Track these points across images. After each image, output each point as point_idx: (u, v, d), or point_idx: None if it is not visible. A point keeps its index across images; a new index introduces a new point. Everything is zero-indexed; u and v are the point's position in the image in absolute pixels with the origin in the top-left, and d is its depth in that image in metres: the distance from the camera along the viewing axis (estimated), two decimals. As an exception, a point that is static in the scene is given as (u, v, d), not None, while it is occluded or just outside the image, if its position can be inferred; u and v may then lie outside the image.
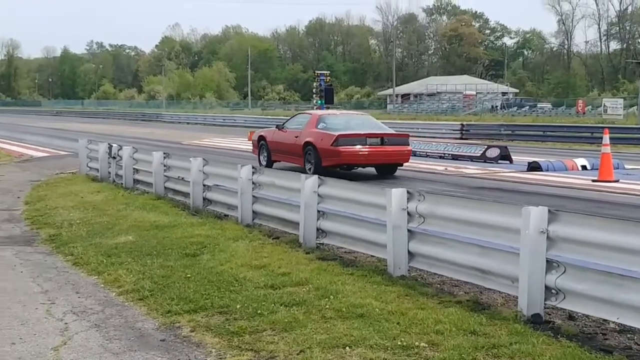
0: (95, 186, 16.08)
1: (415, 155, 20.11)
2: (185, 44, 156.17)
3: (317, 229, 9.23)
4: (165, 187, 14.23)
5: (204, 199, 12.49)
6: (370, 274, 7.71)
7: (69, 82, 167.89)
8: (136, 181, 15.62)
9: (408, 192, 7.75)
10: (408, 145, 17.24)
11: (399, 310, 6.39)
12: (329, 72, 32.24)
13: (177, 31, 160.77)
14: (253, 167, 11.02)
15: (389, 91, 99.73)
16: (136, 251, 9.18)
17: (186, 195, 13.08)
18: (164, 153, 14.51)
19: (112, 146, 16.74)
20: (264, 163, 18.32)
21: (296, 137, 17.19)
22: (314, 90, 28.19)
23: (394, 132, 17.78)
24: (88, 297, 7.33)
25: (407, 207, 7.63)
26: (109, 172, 16.87)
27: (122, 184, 15.88)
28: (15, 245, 10.12)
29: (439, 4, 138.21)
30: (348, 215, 8.73)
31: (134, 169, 15.69)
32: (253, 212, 10.91)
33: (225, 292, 7.15)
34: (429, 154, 23.32)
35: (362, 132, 16.47)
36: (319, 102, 27.76)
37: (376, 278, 7.54)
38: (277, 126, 18.78)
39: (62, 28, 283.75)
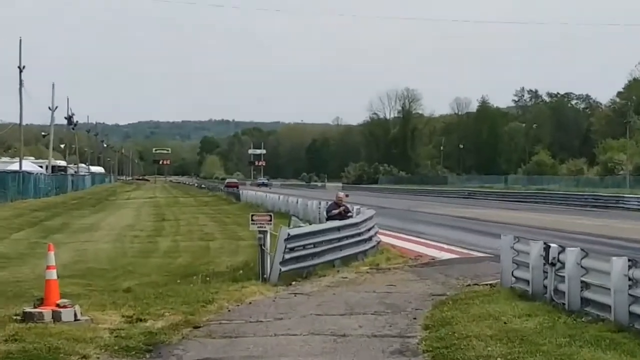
0: (523, 306, 16.31)
1: None
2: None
3: None
4: (629, 312, 13.95)
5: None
6: None
7: (487, 146, 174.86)
8: (585, 300, 15.54)
9: None
10: (237, 186, 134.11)
11: None
12: None
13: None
14: None
15: None
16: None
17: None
18: (629, 260, 14.25)
19: (549, 247, 16.88)
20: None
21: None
22: None
23: (236, 182, 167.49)
24: None
25: None
26: (545, 286, 17.00)
27: (563, 303, 15.89)
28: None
29: None
30: None
31: (581, 282, 15.64)
32: None
33: None
34: None
35: (229, 183, 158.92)
36: None
37: None
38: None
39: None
